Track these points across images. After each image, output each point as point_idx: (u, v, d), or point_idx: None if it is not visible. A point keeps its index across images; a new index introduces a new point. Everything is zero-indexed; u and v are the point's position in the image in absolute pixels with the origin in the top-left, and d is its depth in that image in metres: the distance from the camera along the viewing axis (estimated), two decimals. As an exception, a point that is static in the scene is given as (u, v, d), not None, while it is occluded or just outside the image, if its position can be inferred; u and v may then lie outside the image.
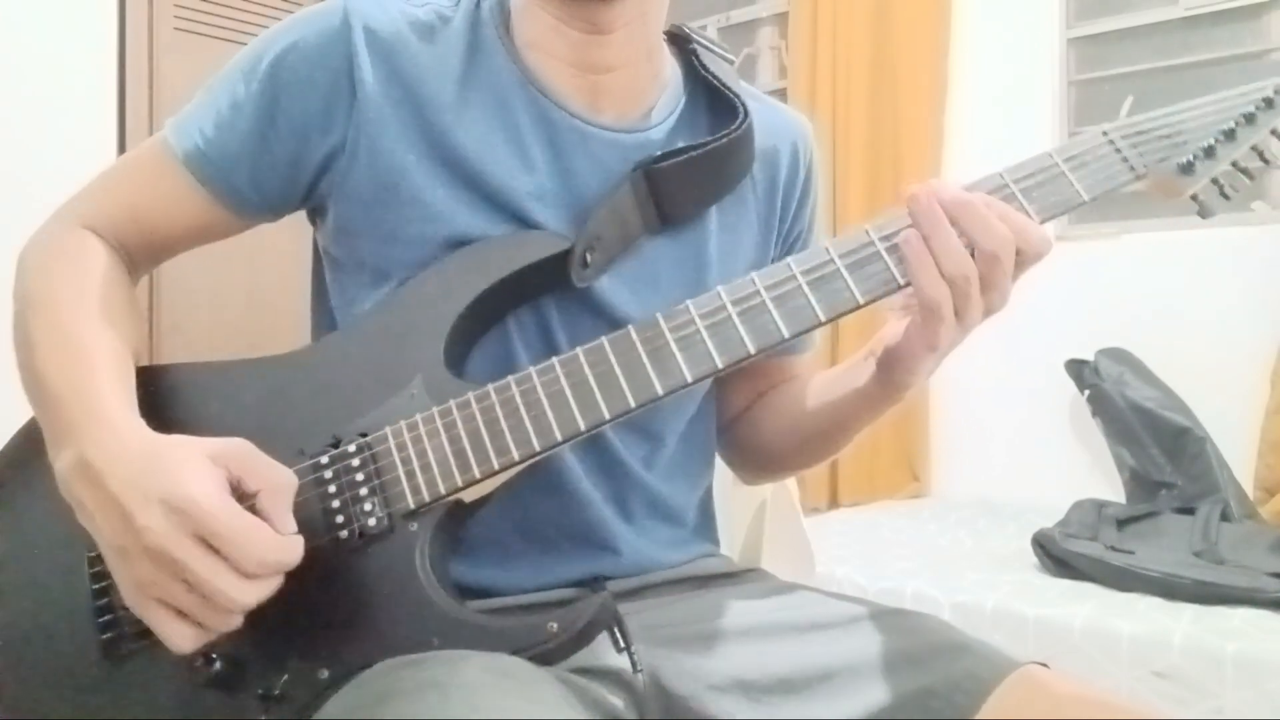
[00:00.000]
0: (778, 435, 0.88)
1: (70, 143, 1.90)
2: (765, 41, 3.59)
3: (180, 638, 0.59)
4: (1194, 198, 0.72)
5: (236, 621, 0.59)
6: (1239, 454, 2.42)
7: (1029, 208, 0.68)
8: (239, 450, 0.61)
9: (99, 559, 0.68)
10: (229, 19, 2.16)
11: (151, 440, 0.61)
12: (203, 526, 0.56)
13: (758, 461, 0.93)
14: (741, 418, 0.91)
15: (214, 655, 0.64)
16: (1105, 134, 0.71)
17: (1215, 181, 0.72)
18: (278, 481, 0.61)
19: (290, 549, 0.60)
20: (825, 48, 3.23)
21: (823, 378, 0.85)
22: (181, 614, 0.58)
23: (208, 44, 2.12)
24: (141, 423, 0.64)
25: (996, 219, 0.65)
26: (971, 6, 3.04)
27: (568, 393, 0.66)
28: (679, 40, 0.84)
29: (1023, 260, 0.67)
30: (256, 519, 0.59)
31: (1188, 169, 0.71)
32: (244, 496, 0.59)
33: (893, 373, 0.72)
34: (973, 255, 0.65)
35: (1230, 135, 0.71)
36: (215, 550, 0.57)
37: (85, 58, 2.01)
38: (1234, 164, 0.72)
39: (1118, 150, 0.71)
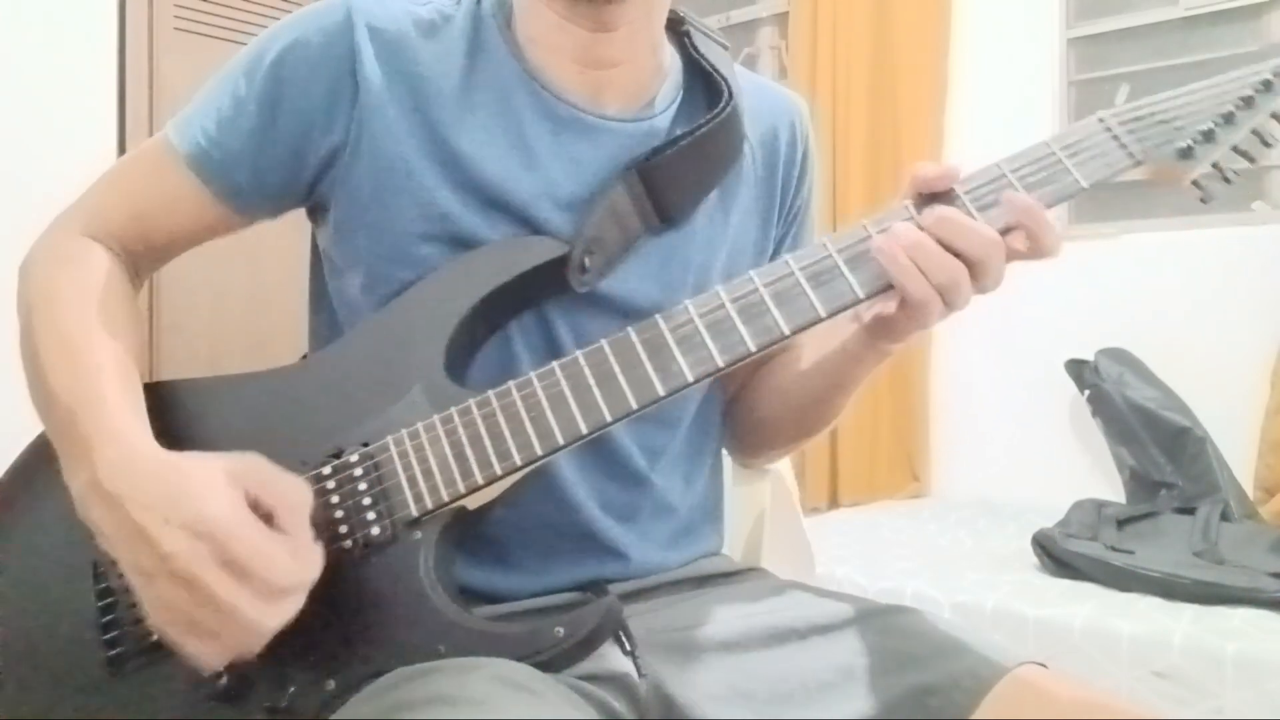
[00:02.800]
0: (772, 408, 0.88)
1: (70, 143, 1.89)
2: (765, 41, 3.59)
3: (206, 657, 0.58)
4: (1195, 184, 0.71)
5: (262, 643, 0.59)
6: (1239, 454, 2.42)
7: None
8: (254, 467, 0.61)
9: (104, 574, 0.68)
10: (229, 19, 2.16)
11: (166, 461, 0.61)
12: (226, 551, 0.56)
13: (755, 440, 0.92)
14: (738, 398, 0.91)
15: (221, 671, 0.64)
16: (1102, 120, 0.71)
17: (1216, 166, 0.71)
18: (294, 498, 0.61)
19: (309, 566, 0.60)
20: (825, 48, 3.23)
21: (811, 342, 0.85)
22: (209, 632, 0.58)
23: (208, 44, 2.12)
24: (151, 439, 0.63)
25: (973, 226, 0.66)
26: (971, 6, 3.03)
27: (568, 395, 0.66)
28: (673, 24, 0.84)
29: (1032, 250, 0.67)
30: (278, 540, 0.59)
31: (1187, 154, 0.69)
32: (262, 513, 0.59)
33: (881, 339, 0.74)
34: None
35: (1229, 119, 0.70)
36: (240, 575, 0.57)
37: (85, 58, 2.01)
38: (1234, 148, 0.71)
39: (1115, 137, 0.70)
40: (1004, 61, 2.98)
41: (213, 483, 0.59)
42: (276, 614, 0.58)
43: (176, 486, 0.58)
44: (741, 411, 0.90)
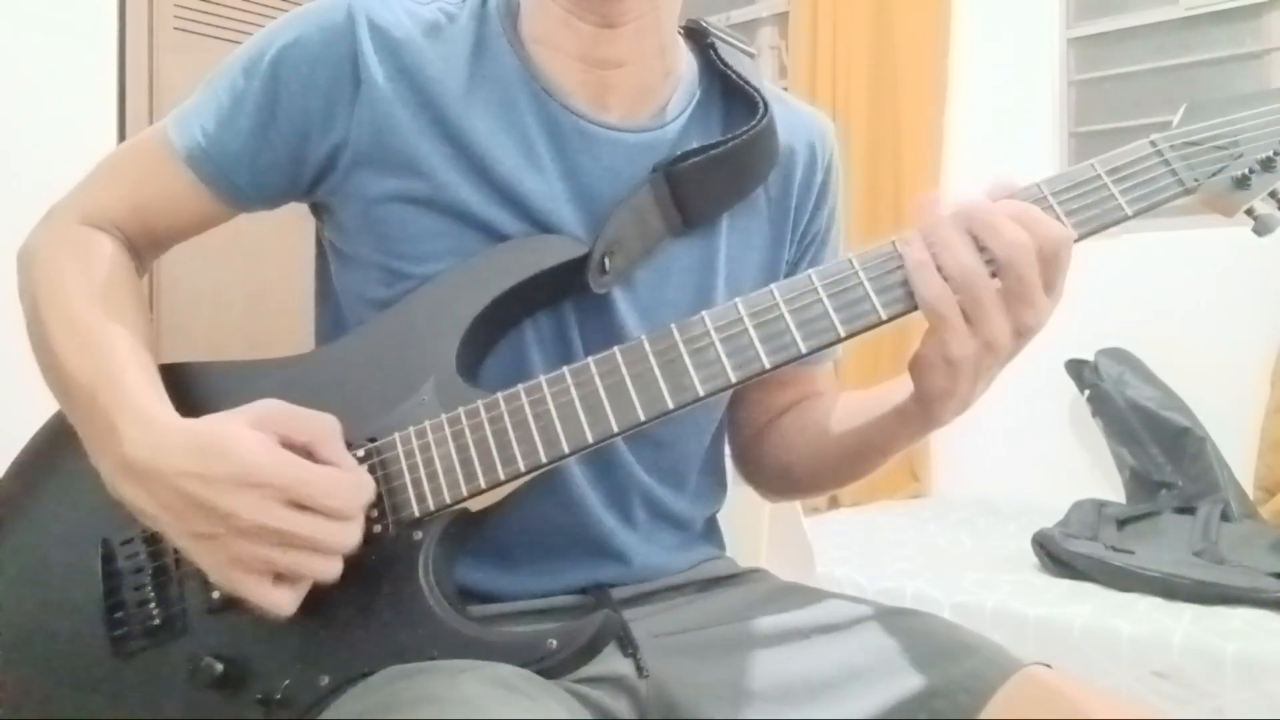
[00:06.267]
0: (805, 458, 0.84)
1: (70, 143, 1.89)
2: (765, 41, 3.59)
3: (281, 601, 0.60)
4: (1249, 212, 0.67)
5: (340, 566, 0.61)
6: (1239, 454, 2.42)
7: (1066, 223, 0.64)
8: (274, 411, 0.62)
9: (110, 558, 0.69)
10: (229, 19, 2.15)
11: (189, 426, 0.62)
12: (288, 491, 0.58)
13: (784, 481, 0.89)
14: (765, 434, 0.88)
15: (216, 657, 0.64)
16: (1153, 144, 0.66)
17: (1274, 195, 0.66)
18: (323, 429, 0.63)
19: (367, 483, 0.63)
20: (825, 48, 3.23)
21: (859, 395, 0.81)
22: (278, 578, 0.60)
23: (208, 44, 2.11)
24: (175, 413, 0.64)
25: (1010, 222, 0.61)
26: (971, 6, 3.03)
27: (577, 404, 0.65)
28: (696, 35, 0.82)
29: (1052, 266, 0.62)
30: (329, 467, 0.61)
31: (1243, 183, 0.65)
32: (296, 450, 0.61)
33: (918, 385, 0.68)
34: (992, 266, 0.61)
35: None
36: (307, 509, 0.59)
37: (85, 58, 2.00)
38: None
39: (1167, 162, 0.66)
40: (1004, 61, 2.98)
41: (240, 434, 0.60)
42: (352, 532, 0.61)
43: (208, 446, 0.59)
44: (769, 455, 0.87)
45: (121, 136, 2.05)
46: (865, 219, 3.07)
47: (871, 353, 2.94)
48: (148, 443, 0.61)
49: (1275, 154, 0.66)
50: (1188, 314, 2.61)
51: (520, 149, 0.73)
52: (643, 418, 0.64)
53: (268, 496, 0.58)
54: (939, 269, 0.62)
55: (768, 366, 0.64)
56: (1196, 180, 0.66)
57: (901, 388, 0.72)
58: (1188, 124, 0.68)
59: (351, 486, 0.61)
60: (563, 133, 0.74)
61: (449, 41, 0.74)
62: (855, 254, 0.66)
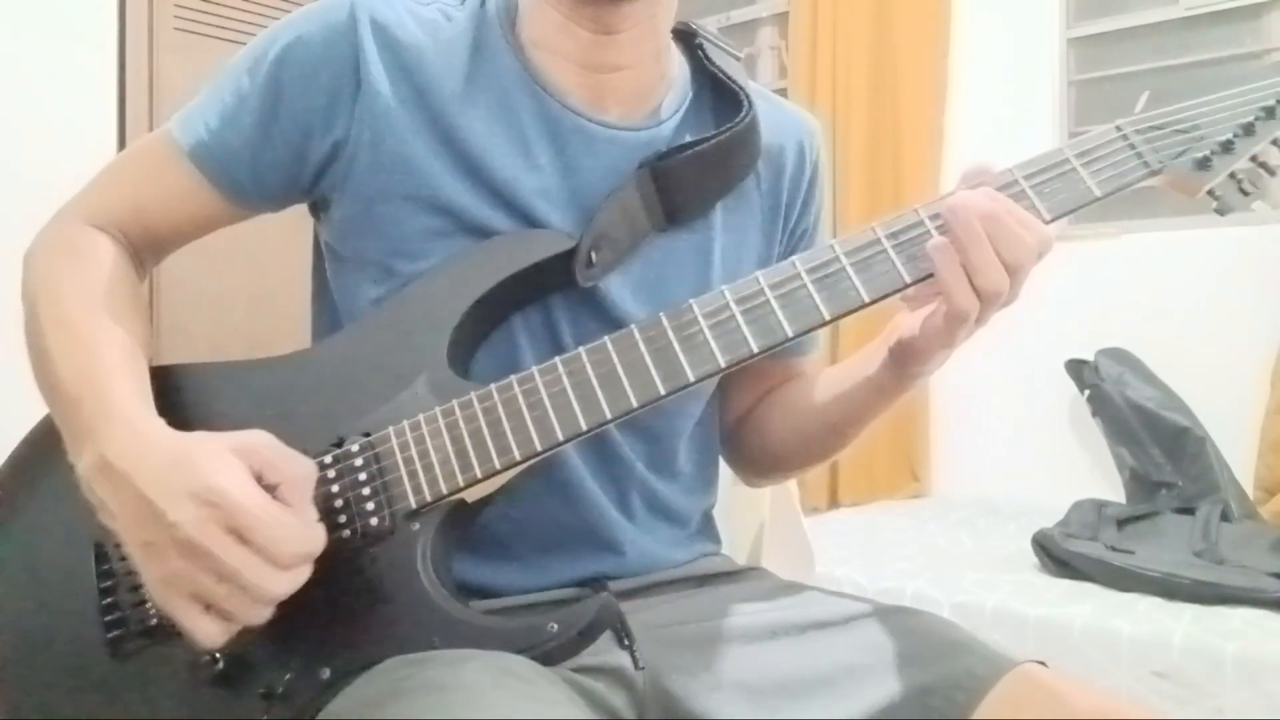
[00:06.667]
0: (784, 434, 0.87)
1: (70, 143, 1.89)
2: (765, 41, 3.59)
3: (207, 633, 0.59)
4: (1211, 194, 0.69)
5: (267, 614, 0.59)
6: (1239, 454, 2.42)
7: (1040, 205, 0.67)
8: (258, 442, 0.62)
9: (105, 558, 0.69)
10: (229, 19, 2.16)
11: (174, 438, 0.62)
12: (234, 518, 0.57)
13: (763, 462, 0.92)
14: (747, 418, 0.90)
15: (217, 654, 0.64)
16: (1119, 129, 0.70)
17: (1233, 176, 0.69)
18: (297, 473, 0.62)
19: (316, 538, 0.61)
20: (825, 48, 3.23)
21: (832, 371, 0.85)
22: (209, 609, 0.59)
23: (208, 44, 2.12)
24: (161, 421, 0.64)
25: (1022, 229, 0.65)
26: (971, 6, 3.04)
27: (570, 392, 0.66)
28: (685, 36, 0.84)
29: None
30: (284, 509, 0.59)
31: (1204, 164, 0.68)
32: (265, 489, 0.60)
33: (905, 364, 0.73)
34: None
35: (1249, 130, 0.69)
36: (246, 542, 0.57)
37: (85, 58, 2.01)
38: (1253, 159, 0.69)
39: (1132, 145, 0.69)
40: (1004, 61, 2.98)
41: (219, 456, 0.60)
42: (283, 581, 0.59)
43: (185, 460, 0.59)
44: (750, 434, 0.90)
45: (121, 137, 2.05)
46: (865, 219, 3.06)
47: (870, 338, 2.96)
48: (128, 446, 0.61)
49: (1234, 136, 0.69)
50: (1188, 314, 2.61)
51: (517, 150, 0.74)
52: (635, 404, 0.65)
53: (214, 518, 0.57)
54: (970, 280, 0.64)
55: (755, 350, 0.66)
56: (1161, 162, 0.69)
57: (871, 361, 0.76)
58: (1151, 110, 0.71)
59: (297, 535, 0.59)
60: (561, 131, 0.75)
61: (448, 41, 0.75)
62: (837, 240, 0.68)
